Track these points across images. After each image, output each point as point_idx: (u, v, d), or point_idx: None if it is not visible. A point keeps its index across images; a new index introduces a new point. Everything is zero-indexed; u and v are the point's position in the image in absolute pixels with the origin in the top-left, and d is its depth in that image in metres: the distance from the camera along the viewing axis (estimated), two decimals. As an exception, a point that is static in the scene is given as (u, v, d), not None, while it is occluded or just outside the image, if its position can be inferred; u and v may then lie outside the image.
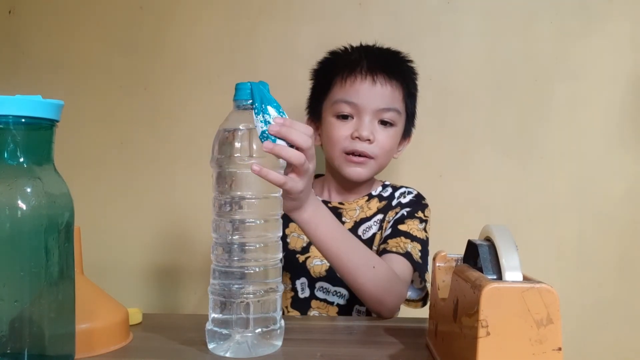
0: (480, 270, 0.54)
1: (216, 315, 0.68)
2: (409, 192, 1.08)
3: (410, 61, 1.11)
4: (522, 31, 1.30)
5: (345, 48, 1.10)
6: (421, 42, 1.31)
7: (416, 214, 1.04)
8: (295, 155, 0.68)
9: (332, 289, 1.02)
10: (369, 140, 1.00)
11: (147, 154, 1.36)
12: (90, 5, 1.37)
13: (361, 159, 1.02)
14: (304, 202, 0.76)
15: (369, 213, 1.07)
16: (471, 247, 0.60)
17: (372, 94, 1.02)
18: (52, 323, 0.55)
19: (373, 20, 1.32)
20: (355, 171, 1.03)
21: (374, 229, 1.06)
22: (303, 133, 0.69)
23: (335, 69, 1.06)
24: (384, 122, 1.03)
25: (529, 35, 1.30)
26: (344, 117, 1.03)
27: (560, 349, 0.47)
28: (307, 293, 1.04)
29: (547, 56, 1.30)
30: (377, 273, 0.84)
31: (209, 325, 0.68)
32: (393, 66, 1.06)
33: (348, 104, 1.02)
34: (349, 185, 1.09)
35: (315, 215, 0.78)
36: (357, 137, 1.01)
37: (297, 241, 1.06)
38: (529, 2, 1.30)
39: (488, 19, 1.30)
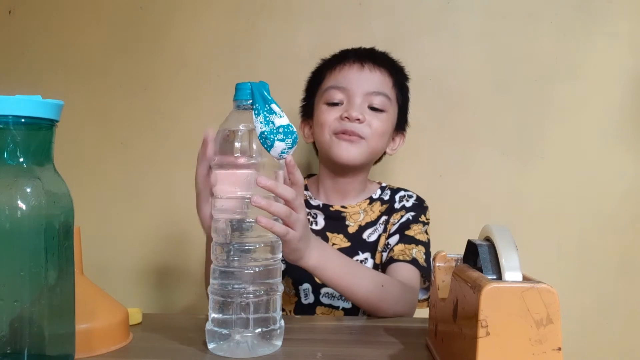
0: (480, 270, 0.54)
1: (216, 315, 0.68)
2: (410, 196, 1.09)
3: (402, 67, 1.13)
4: (522, 31, 1.30)
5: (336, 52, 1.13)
6: (421, 42, 1.31)
7: (420, 218, 1.06)
8: (280, 210, 0.68)
9: (338, 294, 1.02)
10: (358, 120, 1.01)
11: (147, 154, 1.36)
12: (90, 5, 1.37)
13: (352, 137, 1.02)
14: (305, 251, 0.76)
15: (373, 217, 1.08)
16: (471, 247, 0.60)
17: (361, 78, 1.04)
18: (52, 323, 0.55)
19: (373, 20, 1.32)
20: (347, 149, 1.02)
21: (379, 231, 1.06)
22: (287, 187, 0.70)
23: (327, 64, 1.10)
24: (374, 108, 1.04)
25: (529, 35, 1.30)
26: (334, 104, 1.04)
27: (560, 348, 0.47)
28: (311, 299, 1.03)
29: (547, 56, 1.30)
30: (387, 291, 0.87)
31: (208, 325, 0.68)
32: (381, 56, 1.09)
33: (338, 89, 1.04)
34: (344, 177, 1.08)
35: (320, 259, 0.79)
36: (346, 118, 1.02)
37: None
38: (529, 2, 1.30)
39: (488, 19, 1.30)
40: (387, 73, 1.06)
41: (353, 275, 0.85)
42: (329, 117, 1.04)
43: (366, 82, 1.04)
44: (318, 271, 0.80)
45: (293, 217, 0.70)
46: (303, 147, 1.30)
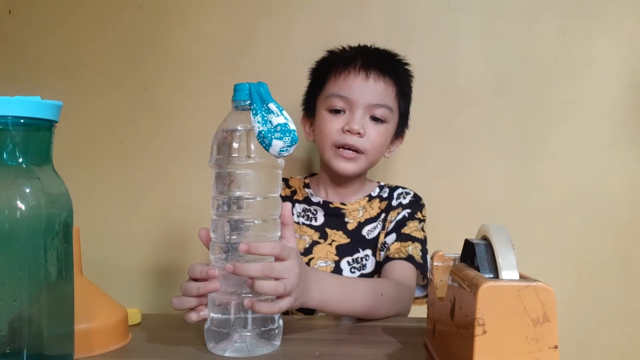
0: (477, 269, 0.54)
1: (215, 315, 0.68)
2: (407, 193, 1.10)
3: (406, 63, 1.12)
4: (522, 31, 1.30)
5: (343, 47, 1.11)
6: (421, 42, 1.31)
7: (416, 215, 1.07)
8: (257, 270, 0.67)
9: None
10: (359, 134, 1.01)
11: (147, 154, 1.36)
12: (90, 5, 1.37)
13: (352, 154, 1.03)
14: (306, 295, 0.74)
15: (373, 214, 1.09)
16: (468, 246, 0.60)
17: (365, 89, 1.03)
18: (51, 323, 0.55)
19: (373, 20, 1.32)
20: (345, 166, 1.04)
21: (379, 229, 1.07)
22: (266, 244, 0.68)
23: (331, 65, 1.08)
24: (375, 119, 1.04)
25: (529, 35, 1.30)
26: (337, 112, 1.04)
27: (556, 347, 0.48)
28: None
29: (547, 56, 1.30)
30: (386, 297, 0.87)
31: (207, 325, 0.69)
32: (387, 64, 1.07)
33: (341, 98, 1.03)
34: (343, 184, 1.10)
35: (321, 296, 0.77)
36: (347, 131, 1.02)
37: (299, 242, 1.06)
38: (529, 2, 1.30)
39: (488, 19, 1.30)
40: (391, 82, 1.05)
41: (353, 297, 0.84)
42: (330, 127, 1.03)
43: (369, 93, 1.03)
44: (320, 308, 0.80)
45: (278, 269, 0.68)
46: (306, 145, 1.30)
